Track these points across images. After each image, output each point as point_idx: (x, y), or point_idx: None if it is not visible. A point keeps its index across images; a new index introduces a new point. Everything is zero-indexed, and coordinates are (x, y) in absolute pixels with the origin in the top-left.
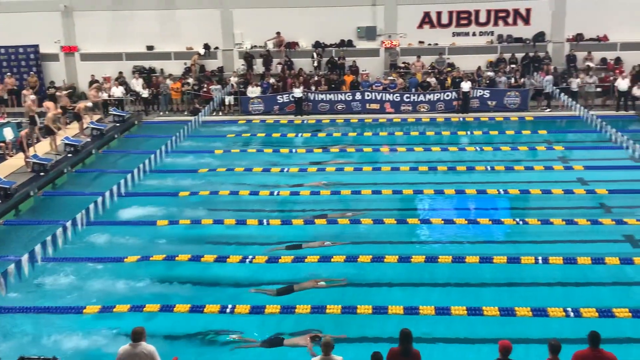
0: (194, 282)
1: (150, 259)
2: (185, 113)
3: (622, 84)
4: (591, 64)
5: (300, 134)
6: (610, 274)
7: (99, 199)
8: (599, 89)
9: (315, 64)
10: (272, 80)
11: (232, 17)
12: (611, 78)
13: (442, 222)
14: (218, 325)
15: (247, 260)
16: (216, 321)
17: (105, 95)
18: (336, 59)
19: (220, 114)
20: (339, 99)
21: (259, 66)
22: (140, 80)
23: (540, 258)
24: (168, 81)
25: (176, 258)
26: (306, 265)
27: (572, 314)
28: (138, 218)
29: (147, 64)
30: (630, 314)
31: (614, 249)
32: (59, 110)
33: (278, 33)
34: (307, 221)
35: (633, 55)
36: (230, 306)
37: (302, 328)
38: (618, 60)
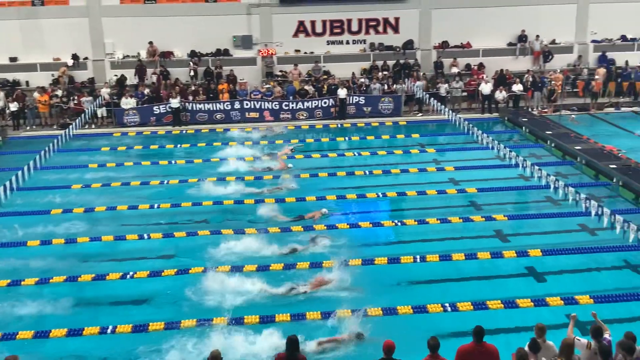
0: (71, 304)
1: (22, 282)
2: (55, 127)
3: (486, 88)
4: (457, 70)
5: (179, 145)
6: (482, 268)
7: None
8: (464, 94)
9: (192, 73)
10: (146, 91)
11: (101, 26)
12: (475, 83)
13: (325, 227)
14: (98, 347)
15: (128, 276)
16: (96, 343)
17: None
18: (213, 68)
19: (93, 126)
20: (218, 109)
21: (133, 76)
22: (2, 94)
23: (418, 257)
24: (35, 94)
25: (50, 280)
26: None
27: (449, 309)
28: (6, 239)
29: (10, 76)
30: (502, 305)
31: (485, 244)
32: None
33: (151, 42)
34: (189, 233)
35: (494, 61)
36: (110, 327)
37: (186, 345)
38: (481, 66)
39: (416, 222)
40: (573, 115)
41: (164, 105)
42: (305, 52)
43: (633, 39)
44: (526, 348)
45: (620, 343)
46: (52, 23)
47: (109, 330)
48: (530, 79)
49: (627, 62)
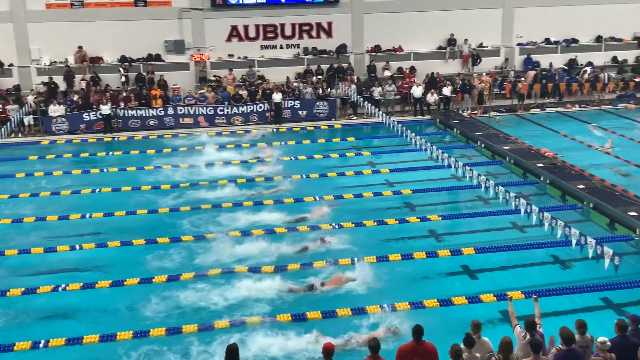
0: (1, 319)
1: None
2: None
3: (417, 91)
4: (389, 73)
5: (111, 153)
6: (418, 268)
7: None
8: (398, 97)
9: (123, 79)
10: (75, 98)
11: (27, 32)
12: (407, 86)
13: (263, 232)
14: None
15: (60, 289)
16: (28, 358)
17: None
18: (145, 73)
19: (20, 135)
20: (151, 115)
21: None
22: None
23: (356, 259)
24: None
25: None
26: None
27: (388, 309)
28: None
29: None
30: (438, 304)
31: (421, 245)
32: None
33: (80, 47)
34: (123, 242)
35: (424, 64)
36: (43, 341)
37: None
38: (412, 69)
39: (353, 225)
40: (498, 117)
41: (94, 112)
42: (239, 57)
43: (556, 42)
44: (461, 344)
45: (561, 332)
46: None
47: (41, 345)
48: (460, 82)
49: (551, 64)
